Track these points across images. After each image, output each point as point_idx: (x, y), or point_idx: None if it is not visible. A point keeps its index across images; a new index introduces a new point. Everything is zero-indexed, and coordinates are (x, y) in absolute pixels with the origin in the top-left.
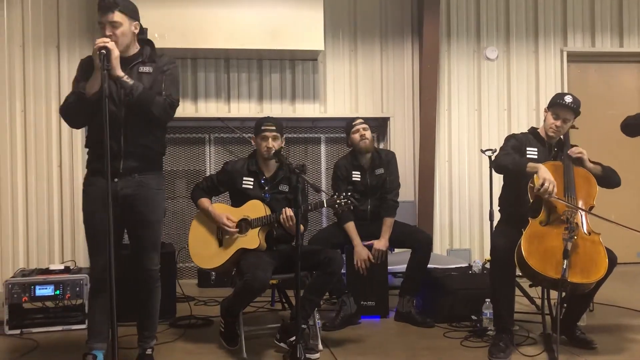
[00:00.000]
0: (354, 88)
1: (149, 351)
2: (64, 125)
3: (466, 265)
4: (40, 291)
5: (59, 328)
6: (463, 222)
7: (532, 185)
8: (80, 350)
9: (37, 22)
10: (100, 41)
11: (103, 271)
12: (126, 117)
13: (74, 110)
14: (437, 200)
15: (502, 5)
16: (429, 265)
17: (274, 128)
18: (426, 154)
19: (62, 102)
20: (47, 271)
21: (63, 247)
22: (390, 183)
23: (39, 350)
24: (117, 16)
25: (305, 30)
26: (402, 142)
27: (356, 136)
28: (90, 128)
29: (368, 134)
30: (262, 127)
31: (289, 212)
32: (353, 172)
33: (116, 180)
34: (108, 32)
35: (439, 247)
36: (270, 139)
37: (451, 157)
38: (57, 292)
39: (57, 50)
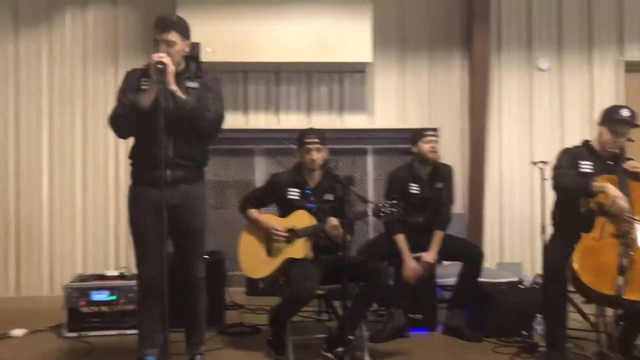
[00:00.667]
0: (402, 99)
1: (198, 357)
2: None
3: (517, 279)
4: (96, 296)
5: (114, 332)
6: (514, 235)
7: (591, 201)
8: (133, 354)
9: (97, 39)
10: (157, 56)
11: (151, 279)
12: (175, 130)
13: (126, 121)
14: (487, 212)
15: (554, 14)
16: (479, 279)
17: (316, 140)
18: (476, 166)
19: (111, 113)
20: (103, 277)
21: (118, 254)
22: (446, 197)
23: (96, 353)
24: (173, 35)
25: (353, 43)
26: (450, 154)
27: (426, 146)
28: (137, 139)
29: (438, 147)
30: (305, 140)
31: (334, 221)
32: (410, 184)
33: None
34: (163, 50)
35: (489, 260)
36: (313, 152)
37: (501, 169)
38: (112, 297)
39: (116, 66)
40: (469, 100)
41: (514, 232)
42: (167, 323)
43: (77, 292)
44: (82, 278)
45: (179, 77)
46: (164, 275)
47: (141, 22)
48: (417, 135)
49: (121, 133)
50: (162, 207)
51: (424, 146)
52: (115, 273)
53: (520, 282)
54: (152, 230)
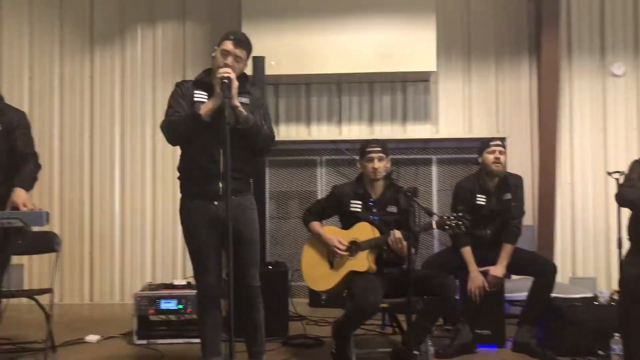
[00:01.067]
0: (468, 108)
1: None
2: None
3: (591, 295)
4: (164, 305)
5: (181, 341)
6: (587, 248)
7: None
8: None
9: (166, 54)
10: (225, 71)
11: (211, 289)
12: (230, 143)
13: (183, 129)
14: (558, 225)
15: (629, 16)
16: (551, 295)
17: (379, 149)
18: (546, 176)
19: (165, 118)
20: (171, 286)
21: (185, 264)
22: (516, 209)
23: None
24: (242, 52)
25: (417, 52)
26: (518, 164)
27: (490, 157)
28: (188, 151)
29: (503, 158)
30: (367, 150)
31: (397, 234)
32: (478, 196)
33: (216, 203)
34: (230, 63)
35: (560, 274)
36: (376, 160)
37: (573, 180)
38: (180, 306)
39: (184, 79)
40: (538, 108)
41: (587, 245)
42: (232, 332)
43: (147, 300)
44: (152, 287)
45: None
46: (226, 285)
47: (207, 37)
48: (482, 145)
49: (174, 139)
50: (222, 218)
51: (488, 157)
52: (183, 282)
53: (595, 298)
54: (208, 242)
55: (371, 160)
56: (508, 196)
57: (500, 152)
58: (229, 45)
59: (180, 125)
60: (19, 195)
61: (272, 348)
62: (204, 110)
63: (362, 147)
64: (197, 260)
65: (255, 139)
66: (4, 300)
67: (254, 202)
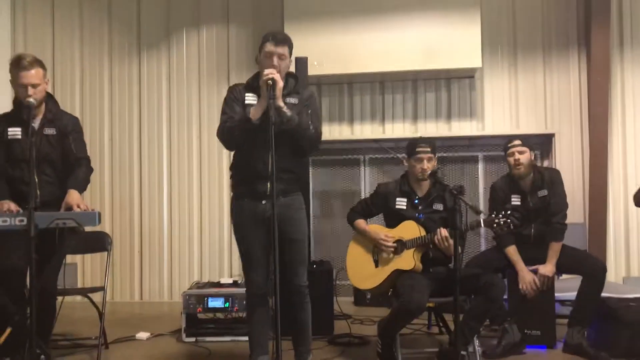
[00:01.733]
0: (515, 104)
1: None
2: None
3: None
4: (212, 303)
5: (228, 338)
6: None
7: None
8: None
9: (211, 57)
10: (269, 72)
11: (259, 287)
12: (276, 143)
13: (238, 133)
14: (610, 222)
15: None
16: (602, 294)
17: (429, 149)
18: (597, 173)
19: (220, 125)
20: (218, 284)
21: (232, 262)
22: (555, 205)
23: (212, 357)
24: (286, 50)
25: (461, 48)
26: (568, 160)
27: (510, 160)
28: (240, 152)
29: (524, 157)
30: (417, 149)
31: (444, 232)
32: (512, 196)
33: (264, 202)
34: (275, 63)
35: (614, 274)
36: (425, 161)
37: (627, 176)
38: (227, 304)
39: (228, 82)
40: (588, 103)
41: None
42: (279, 331)
43: (195, 298)
44: (199, 285)
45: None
46: (272, 283)
47: (251, 39)
48: (504, 147)
49: (231, 145)
50: (268, 217)
51: (509, 160)
52: (230, 281)
53: None
54: (257, 241)
55: (420, 160)
56: (544, 193)
57: (520, 153)
58: (270, 46)
59: (234, 131)
60: (73, 196)
61: (318, 347)
62: (253, 113)
63: (411, 146)
64: (245, 259)
65: (300, 139)
66: (59, 298)
67: (302, 201)
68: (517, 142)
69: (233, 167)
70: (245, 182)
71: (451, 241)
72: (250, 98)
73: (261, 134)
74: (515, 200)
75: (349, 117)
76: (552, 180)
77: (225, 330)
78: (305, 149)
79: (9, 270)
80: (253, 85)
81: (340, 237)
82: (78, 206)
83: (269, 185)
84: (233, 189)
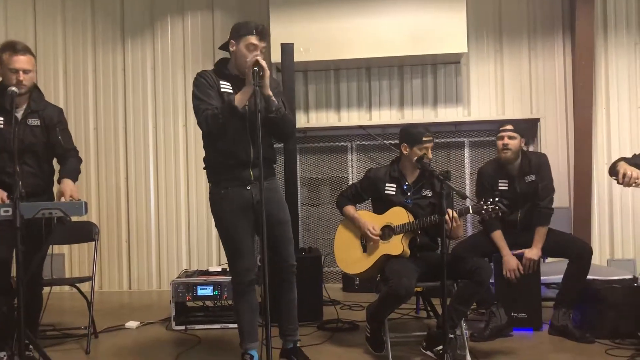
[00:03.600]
0: (500, 89)
1: (298, 344)
2: None
3: (630, 277)
4: (201, 291)
5: (217, 326)
6: (626, 230)
7: None
8: (237, 347)
9: (196, 44)
10: (256, 59)
11: (247, 274)
12: (254, 132)
13: (222, 121)
14: (595, 206)
15: None
16: (587, 277)
17: (432, 139)
18: (582, 157)
19: (200, 113)
20: (207, 273)
21: (220, 251)
22: (543, 189)
23: (202, 345)
24: (265, 44)
25: (447, 34)
26: (554, 145)
27: (499, 143)
28: (220, 141)
29: (513, 143)
30: (424, 139)
31: (451, 212)
32: (499, 181)
33: (249, 188)
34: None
35: (598, 256)
36: (430, 150)
37: (611, 160)
38: (216, 292)
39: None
40: (573, 88)
41: (626, 226)
42: (268, 317)
43: (184, 287)
44: (188, 274)
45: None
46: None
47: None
48: (497, 132)
49: (216, 132)
50: (255, 203)
51: (498, 144)
52: (218, 269)
53: (634, 280)
54: (242, 227)
55: (426, 149)
56: (531, 178)
57: (510, 138)
58: (254, 40)
59: (218, 119)
60: (67, 184)
61: (307, 333)
62: (239, 100)
63: (417, 134)
64: (231, 246)
65: (284, 127)
66: (47, 288)
67: (278, 184)
68: (509, 127)
69: (210, 157)
70: (227, 169)
71: (459, 222)
72: (225, 86)
73: (240, 120)
74: (503, 185)
75: (336, 103)
76: (540, 164)
77: (214, 318)
78: (288, 135)
79: None
80: (225, 72)
81: (328, 224)
82: (72, 195)
83: (251, 172)
84: (212, 177)
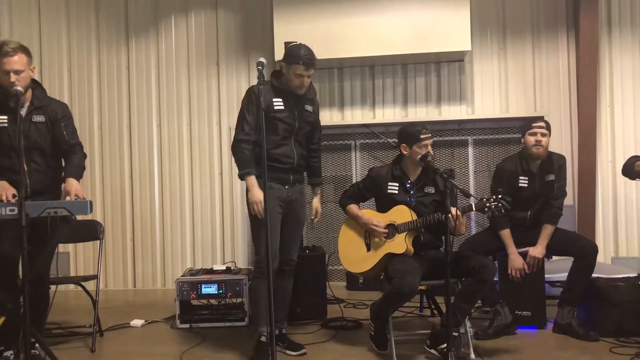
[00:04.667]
0: (504, 87)
1: (284, 331)
2: (224, 136)
3: (635, 275)
4: (205, 289)
5: (222, 324)
6: (630, 228)
7: None
8: (241, 345)
9: (199, 43)
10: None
11: (274, 258)
12: (298, 143)
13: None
14: (599, 204)
15: None
16: (592, 275)
17: (430, 135)
18: (586, 155)
19: (235, 143)
20: (211, 271)
21: (224, 249)
22: (558, 189)
23: (206, 343)
24: (313, 70)
25: (451, 32)
26: (558, 142)
27: (531, 139)
28: (267, 144)
29: (545, 140)
30: (421, 137)
31: (453, 211)
32: (520, 178)
33: (287, 187)
34: (305, 84)
35: (602, 255)
36: (429, 146)
37: (615, 158)
38: (220, 291)
39: (217, 68)
40: (577, 85)
41: (630, 224)
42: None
43: (188, 285)
44: (192, 272)
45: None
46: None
47: (240, 25)
48: (525, 125)
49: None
50: (288, 201)
51: (529, 139)
52: (222, 267)
53: (638, 278)
54: (276, 219)
55: (425, 146)
56: (551, 177)
57: (543, 135)
58: (301, 70)
59: (240, 155)
60: (72, 184)
61: (311, 331)
62: (249, 193)
63: (415, 133)
64: (265, 232)
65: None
66: (52, 287)
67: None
68: (542, 123)
69: (258, 154)
70: (272, 170)
71: (462, 219)
72: (278, 104)
73: (287, 127)
74: (523, 182)
75: (339, 102)
76: (560, 165)
77: (219, 316)
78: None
79: (0, 259)
80: (279, 88)
81: (332, 223)
82: (77, 194)
83: (291, 176)
84: (256, 169)
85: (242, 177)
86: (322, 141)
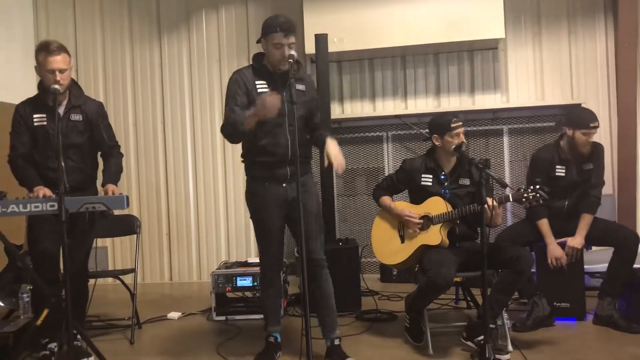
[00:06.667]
0: (539, 75)
1: (336, 342)
2: None
3: None
4: (240, 282)
5: (257, 316)
6: None
7: None
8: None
9: (230, 38)
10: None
11: (277, 262)
12: (291, 130)
13: (234, 134)
14: None
15: None
16: (634, 265)
17: (462, 123)
18: (626, 143)
19: (224, 122)
20: (246, 264)
21: None
22: (596, 178)
23: (242, 335)
24: (293, 38)
25: (484, 19)
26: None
27: (583, 138)
28: (256, 138)
29: (592, 138)
30: (452, 126)
31: (489, 202)
32: (557, 167)
33: (284, 185)
34: (285, 53)
35: None
36: (462, 134)
37: None
38: (255, 283)
39: (248, 62)
40: (616, 71)
41: None
42: (307, 307)
43: (223, 278)
44: (227, 265)
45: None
46: (301, 264)
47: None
48: (576, 120)
49: (231, 141)
50: (290, 200)
51: (581, 137)
52: (257, 260)
53: None
54: (277, 221)
55: (457, 135)
56: (589, 166)
57: (595, 133)
58: (279, 38)
59: (230, 129)
60: (109, 190)
61: (346, 323)
62: (248, 123)
63: (444, 121)
64: (266, 237)
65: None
66: (92, 280)
67: (313, 181)
68: (598, 124)
69: (248, 151)
70: (265, 166)
71: (499, 210)
72: (261, 86)
73: (277, 119)
74: (560, 172)
75: (371, 93)
76: (598, 153)
77: (254, 308)
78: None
79: (42, 254)
80: (260, 69)
81: (364, 215)
82: (113, 192)
83: (288, 169)
84: (249, 171)
85: (243, 124)
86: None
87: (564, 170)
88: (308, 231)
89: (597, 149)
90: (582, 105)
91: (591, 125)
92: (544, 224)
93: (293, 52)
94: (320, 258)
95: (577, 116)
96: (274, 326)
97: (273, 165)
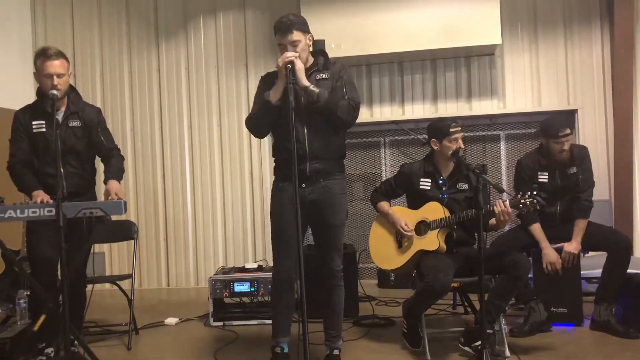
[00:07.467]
0: (536, 80)
1: (336, 352)
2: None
3: None
4: (238, 287)
5: (254, 322)
6: None
7: None
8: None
9: (228, 43)
10: (285, 56)
11: (288, 271)
12: (309, 124)
13: (259, 120)
14: (637, 198)
15: None
16: (629, 270)
17: (460, 128)
18: (622, 148)
19: (248, 116)
20: (243, 269)
21: (255, 248)
22: (584, 182)
23: (240, 341)
24: (296, 35)
25: (481, 25)
26: (592, 136)
27: (556, 146)
28: (275, 137)
29: (568, 145)
30: (451, 130)
31: (501, 205)
32: (539, 173)
33: (304, 185)
34: (290, 52)
35: None
36: (460, 140)
37: None
38: (252, 288)
39: (246, 68)
40: (612, 78)
41: None
42: (305, 313)
43: (221, 283)
44: (225, 271)
45: (308, 71)
46: (299, 268)
47: (267, 24)
48: (549, 130)
49: (257, 132)
50: (307, 202)
51: (555, 147)
52: (254, 265)
53: None
54: (290, 224)
55: (456, 140)
56: (573, 170)
57: (567, 141)
58: (279, 39)
59: (255, 119)
60: (113, 185)
61: (344, 329)
62: (272, 95)
63: (444, 127)
64: (280, 243)
65: (335, 114)
66: (89, 286)
67: (343, 185)
68: (569, 131)
69: (274, 152)
70: (284, 164)
71: (511, 214)
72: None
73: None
74: (542, 178)
75: (368, 99)
76: (582, 157)
77: (251, 314)
78: (343, 120)
79: (40, 259)
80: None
81: (362, 220)
82: (117, 194)
83: (307, 168)
84: (274, 171)
85: (268, 97)
86: (358, 99)
87: (546, 176)
88: (333, 241)
89: (581, 152)
90: (579, 110)
91: (560, 134)
92: (536, 229)
93: (291, 55)
94: (337, 269)
95: (549, 126)
96: (282, 337)
97: (288, 162)
